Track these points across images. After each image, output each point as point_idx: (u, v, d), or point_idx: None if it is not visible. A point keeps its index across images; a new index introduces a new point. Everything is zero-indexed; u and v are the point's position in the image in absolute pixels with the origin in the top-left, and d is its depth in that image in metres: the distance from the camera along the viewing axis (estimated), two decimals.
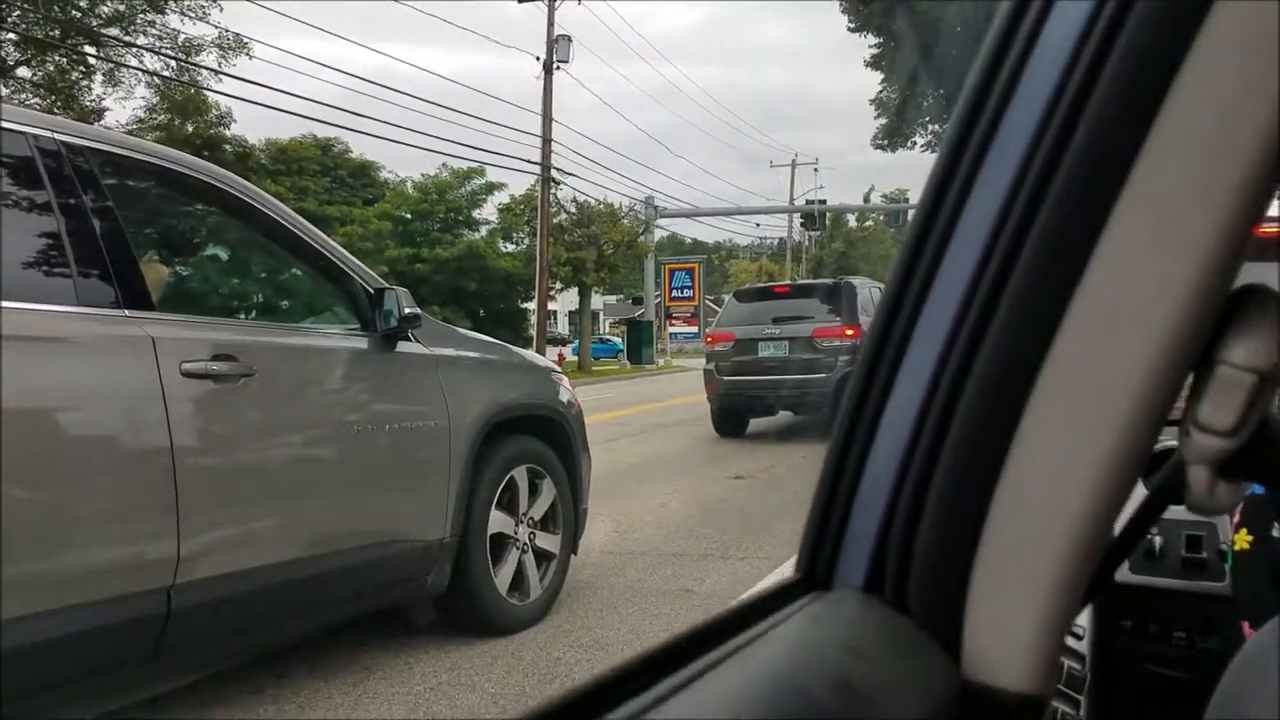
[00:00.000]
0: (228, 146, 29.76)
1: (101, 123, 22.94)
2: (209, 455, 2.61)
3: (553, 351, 31.71)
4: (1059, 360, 0.45)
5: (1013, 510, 0.47)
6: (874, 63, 16.03)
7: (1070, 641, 1.00)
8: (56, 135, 2.49)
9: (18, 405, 2.18)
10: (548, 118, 24.30)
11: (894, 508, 0.52)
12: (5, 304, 2.22)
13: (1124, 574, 1.37)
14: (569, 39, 24.46)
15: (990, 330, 0.47)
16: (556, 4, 24.56)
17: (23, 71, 21.03)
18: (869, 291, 10.81)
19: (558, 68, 24.34)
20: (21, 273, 2.36)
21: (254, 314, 3.70)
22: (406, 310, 3.21)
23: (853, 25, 15.33)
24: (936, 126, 17.36)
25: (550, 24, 24.53)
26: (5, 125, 2.39)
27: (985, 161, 0.50)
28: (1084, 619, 1.07)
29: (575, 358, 31.25)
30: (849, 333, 9.73)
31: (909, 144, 17.69)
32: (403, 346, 3.31)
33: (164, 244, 3.36)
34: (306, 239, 3.18)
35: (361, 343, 3.21)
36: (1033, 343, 0.45)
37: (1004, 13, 0.52)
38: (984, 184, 0.50)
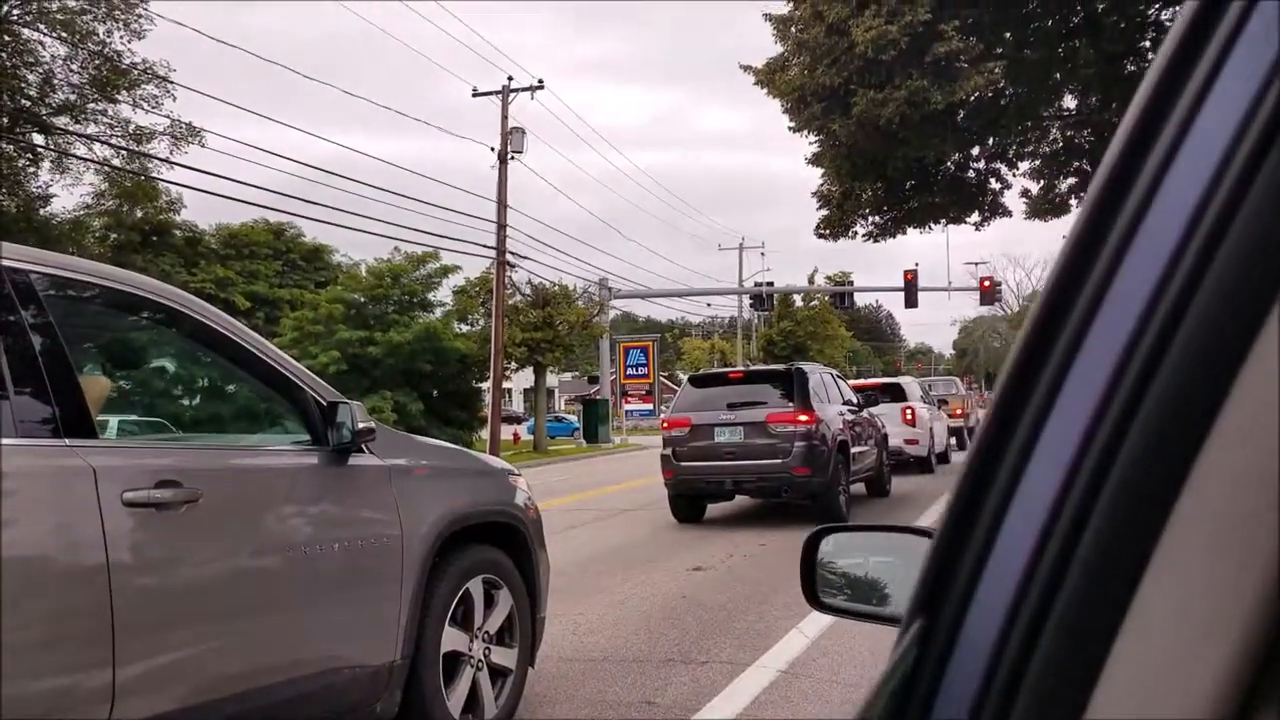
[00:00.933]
0: (177, 231, 29.64)
1: (47, 209, 22.71)
2: (149, 588, 2.51)
3: (508, 430, 31.48)
4: (1193, 504, 0.40)
5: (1125, 689, 0.41)
6: (814, 160, 16.58)
7: None
8: None
9: None
10: (502, 204, 24.57)
11: (1001, 652, 0.44)
12: None
13: None
14: (523, 131, 24.92)
15: (1117, 464, 0.42)
16: (510, 99, 25.07)
17: None
18: (820, 376, 10.95)
19: (512, 157, 24.73)
20: None
21: (203, 429, 3.60)
22: (360, 425, 3.15)
23: (793, 126, 15.87)
24: (876, 218, 17.89)
25: (504, 117, 24.99)
26: None
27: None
28: None
29: (531, 436, 31.00)
30: (802, 418, 9.80)
31: (850, 234, 18.18)
32: (355, 459, 3.24)
33: (108, 361, 3.28)
34: (257, 352, 3.12)
35: (312, 459, 3.13)
36: (1162, 486, 0.40)
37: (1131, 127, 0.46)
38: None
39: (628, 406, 38.84)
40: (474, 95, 25.35)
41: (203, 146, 21.38)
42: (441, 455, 3.84)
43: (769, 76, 15.56)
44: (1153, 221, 0.44)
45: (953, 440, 19.53)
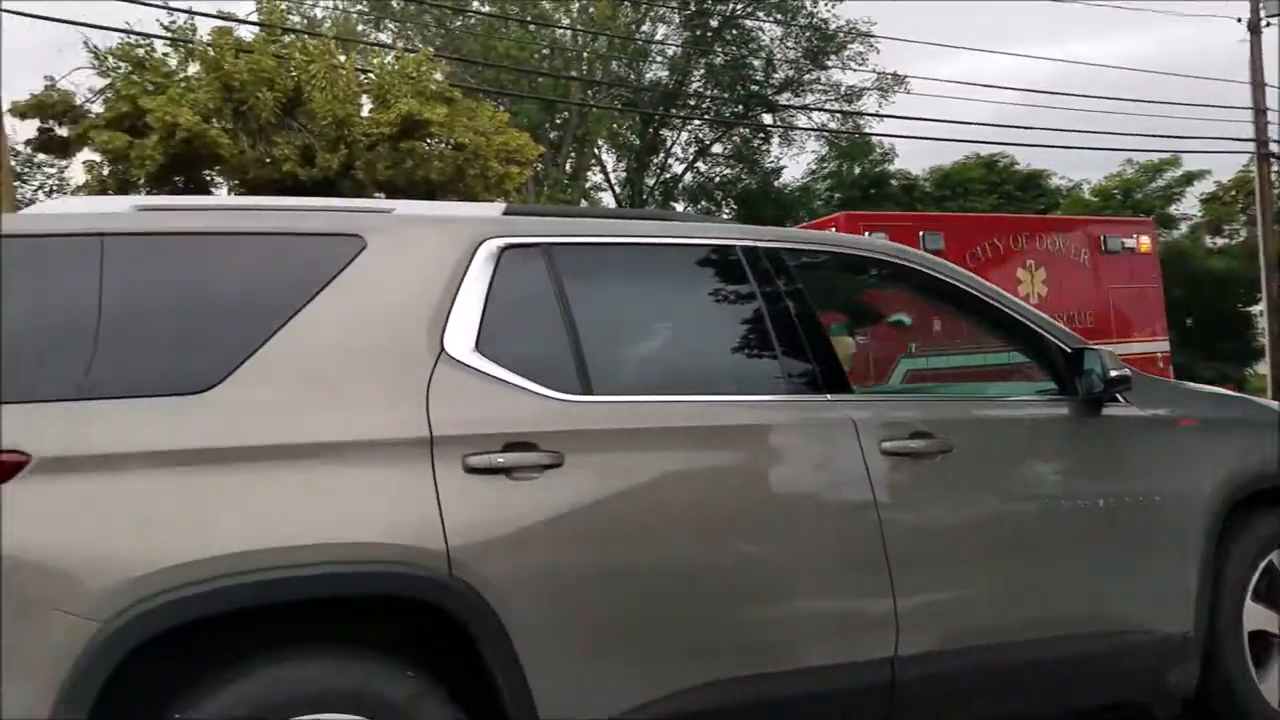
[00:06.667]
0: (893, 181, 31.40)
1: (779, 180, 26.19)
2: (917, 532, 2.61)
3: None
4: None
5: None
6: None
7: None
8: (755, 243, 2.75)
9: (742, 484, 2.47)
10: (1258, 85, 20.39)
11: None
12: (729, 397, 2.57)
13: None
14: None
15: None
16: None
17: (716, 148, 25.12)
18: None
19: (1266, 24, 20.32)
20: (735, 366, 2.71)
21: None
22: (1113, 373, 2.83)
23: None
24: None
25: None
26: (718, 242, 2.75)
27: None
28: None
29: None
30: None
31: None
32: (1110, 410, 2.93)
33: (849, 320, 3.54)
34: (990, 300, 3.04)
35: (1061, 410, 2.94)
36: None
37: None
38: None
39: None
40: None
41: (909, 93, 22.21)
42: (1220, 405, 3.34)
43: None
44: None
45: None
